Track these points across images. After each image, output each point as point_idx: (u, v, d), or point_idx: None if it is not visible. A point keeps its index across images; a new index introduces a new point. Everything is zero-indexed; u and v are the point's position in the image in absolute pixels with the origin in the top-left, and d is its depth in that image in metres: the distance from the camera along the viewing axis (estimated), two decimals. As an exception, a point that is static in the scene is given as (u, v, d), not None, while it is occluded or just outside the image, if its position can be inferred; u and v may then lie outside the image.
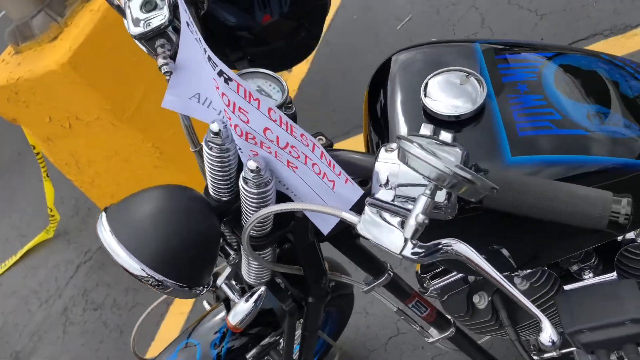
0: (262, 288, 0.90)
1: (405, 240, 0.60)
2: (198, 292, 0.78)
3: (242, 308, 0.88)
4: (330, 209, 0.66)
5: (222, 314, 1.27)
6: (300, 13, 0.98)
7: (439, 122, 0.77)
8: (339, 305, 1.60)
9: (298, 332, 1.18)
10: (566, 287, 0.95)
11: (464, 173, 0.50)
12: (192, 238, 0.75)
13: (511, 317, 1.06)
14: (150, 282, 0.71)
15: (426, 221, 0.54)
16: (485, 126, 0.76)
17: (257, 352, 1.24)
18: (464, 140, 0.76)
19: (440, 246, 0.60)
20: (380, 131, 0.83)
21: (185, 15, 0.67)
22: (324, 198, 0.69)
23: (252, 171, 0.70)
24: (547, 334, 0.57)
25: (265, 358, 1.30)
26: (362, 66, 2.87)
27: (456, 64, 0.83)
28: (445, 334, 1.21)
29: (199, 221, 0.77)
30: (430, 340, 1.25)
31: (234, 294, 0.92)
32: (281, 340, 1.28)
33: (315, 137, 0.65)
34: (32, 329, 2.79)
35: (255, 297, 0.89)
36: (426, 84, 0.79)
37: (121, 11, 0.78)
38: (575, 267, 0.97)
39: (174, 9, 0.76)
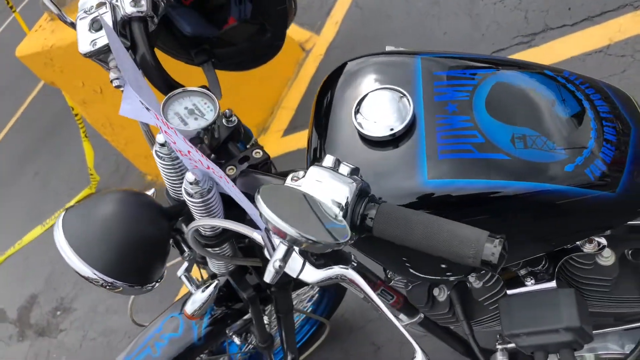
0: (216, 281, 0.98)
1: (302, 266, 0.66)
2: (150, 288, 0.87)
3: (198, 298, 0.97)
4: (245, 229, 0.72)
5: (210, 289, 1.38)
6: (262, 17, 1.01)
7: (369, 140, 0.80)
8: (335, 285, 1.68)
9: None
10: (509, 292, 0.98)
11: (308, 236, 0.54)
12: (139, 241, 0.83)
13: (467, 312, 1.10)
14: (100, 283, 0.80)
15: (283, 267, 0.59)
16: (408, 147, 0.78)
17: (238, 326, 1.34)
18: (387, 161, 0.79)
19: (334, 273, 0.66)
20: (317, 140, 0.87)
21: (115, 44, 0.72)
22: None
23: (190, 183, 0.76)
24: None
25: (246, 333, 1.40)
26: (390, 33, 2.84)
27: (395, 79, 0.84)
28: (414, 320, 1.27)
29: (147, 225, 0.84)
30: (400, 325, 1.32)
31: (191, 285, 1.01)
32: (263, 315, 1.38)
33: (228, 165, 0.71)
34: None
35: (210, 289, 0.97)
36: (360, 101, 0.82)
37: (74, 27, 0.84)
38: (523, 272, 0.99)
39: (119, 29, 0.82)
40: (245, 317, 1.35)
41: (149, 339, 1.34)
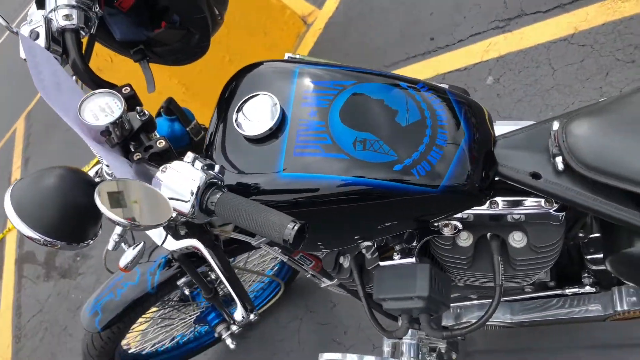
0: (142, 242, 1.21)
1: (165, 237, 0.87)
2: (85, 245, 1.11)
3: (129, 254, 1.20)
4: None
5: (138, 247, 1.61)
6: (187, 24, 1.20)
7: (245, 137, 0.99)
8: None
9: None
10: (382, 263, 1.17)
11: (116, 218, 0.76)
12: (73, 207, 1.05)
13: (362, 278, 1.30)
14: (42, 242, 1.03)
15: (118, 240, 0.80)
16: (274, 145, 0.97)
17: (186, 280, 1.59)
18: (258, 155, 0.99)
19: (187, 244, 0.87)
20: (209, 135, 1.05)
21: (32, 56, 0.93)
22: None
23: (107, 165, 0.98)
24: (239, 312, 0.84)
25: (195, 287, 1.64)
26: (383, 10, 2.95)
27: (276, 86, 1.03)
28: (333, 282, 1.48)
29: (81, 194, 1.07)
30: (322, 285, 1.53)
31: (125, 244, 1.24)
32: (210, 272, 1.62)
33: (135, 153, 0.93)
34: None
35: (139, 247, 1.20)
36: (243, 103, 1.00)
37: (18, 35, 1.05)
38: (398, 247, 1.18)
39: (52, 38, 1.02)
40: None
41: (113, 285, 1.61)
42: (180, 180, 0.86)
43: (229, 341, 1.89)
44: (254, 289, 2.19)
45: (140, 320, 1.85)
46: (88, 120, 0.97)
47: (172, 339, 2.12)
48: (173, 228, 0.92)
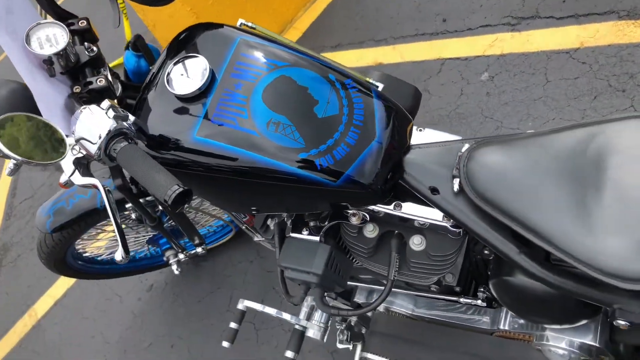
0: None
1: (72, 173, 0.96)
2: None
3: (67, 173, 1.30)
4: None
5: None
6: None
7: (174, 94, 1.05)
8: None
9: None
10: (292, 234, 1.25)
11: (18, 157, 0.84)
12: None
13: (281, 243, 1.38)
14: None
15: (13, 167, 0.89)
16: (196, 107, 1.03)
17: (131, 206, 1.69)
18: (178, 113, 1.05)
19: (88, 182, 0.96)
20: (144, 87, 1.11)
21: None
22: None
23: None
24: (119, 252, 0.93)
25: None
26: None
27: (213, 51, 1.07)
28: (260, 239, 1.57)
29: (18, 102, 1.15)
30: (255, 239, 1.63)
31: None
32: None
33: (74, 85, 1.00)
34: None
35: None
36: (177, 62, 1.06)
37: None
38: (312, 224, 1.25)
39: None
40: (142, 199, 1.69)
41: (67, 194, 1.72)
42: (93, 124, 0.94)
43: (174, 267, 2.03)
44: (214, 224, 2.31)
45: (96, 231, 1.99)
46: (33, 48, 1.04)
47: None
48: (84, 165, 1.00)
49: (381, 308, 1.48)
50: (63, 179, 1.31)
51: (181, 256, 2.03)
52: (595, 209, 0.87)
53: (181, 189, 0.86)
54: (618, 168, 0.89)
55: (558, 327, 1.10)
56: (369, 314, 1.57)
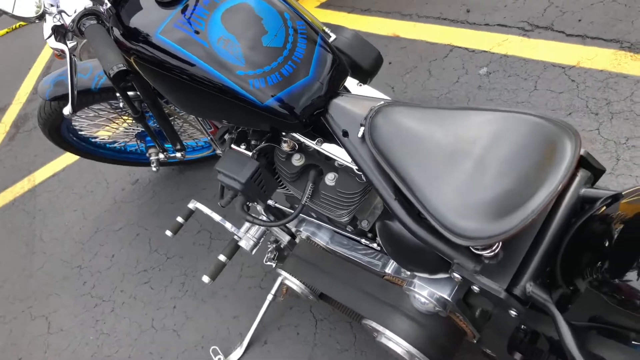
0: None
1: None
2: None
3: (51, 43, 1.49)
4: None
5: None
6: None
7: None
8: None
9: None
10: (232, 146, 1.43)
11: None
12: None
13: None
14: None
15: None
16: (166, 12, 1.21)
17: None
18: (151, 12, 1.22)
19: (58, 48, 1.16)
20: None
21: None
22: None
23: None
24: (67, 108, 1.13)
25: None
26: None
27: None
28: (220, 152, 1.75)
29: None
30: (217, 152, 1.82)
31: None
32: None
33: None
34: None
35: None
36: None
37: None
38: (253, 142, 1.43)
39: None
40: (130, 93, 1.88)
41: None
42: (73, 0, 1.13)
43: (153, 165, 2.24)
44: (202, 140, 2.51)
45: (93, 113, 2.21)
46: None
47: (117, 143, 2.50)
48: (61, 33, 1.19)
49: (304, 236, 1.66)
50: (53, 44, 1.53)
51: (161, 156, 2.24)
52: (456, 174, 1.02)
53: (123, 68, 1.05)
54: (488, 148, 1.03)
55: (424, 276, 1.26)
56: (297, 240, 1.77)
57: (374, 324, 1.36)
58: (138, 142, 2.34)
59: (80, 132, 2.35)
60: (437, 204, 1.01)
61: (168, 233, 1.89)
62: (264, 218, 1.69)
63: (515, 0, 2.59)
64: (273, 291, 1.85)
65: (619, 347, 1.01)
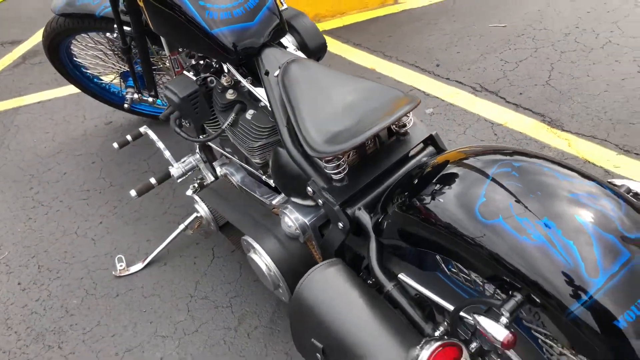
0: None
1: None
2: None
3: None
4: None
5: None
6: None
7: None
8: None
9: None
10: (184, 72, 1.73)
11: None
12: None
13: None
14: None
15: None
16: None
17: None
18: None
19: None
20: None
21: None
22: None
23: None
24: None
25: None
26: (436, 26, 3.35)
27: None
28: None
29: None
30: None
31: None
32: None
33: None
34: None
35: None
36: None
37: None
38: (202, 74, 1.73)
39: None
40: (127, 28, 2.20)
41: (81, -8, 2.26)
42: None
43: (126, 102, 2.52)
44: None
45: (88, 44, 2.53)
46: None
47: (103, 82, 2.81)
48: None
49: (223, 174, 1.93)
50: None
51: (135, 96, 2.53)
52: (325, 113, 1.31)
53: None
54: (353, 100, 1.32)
55: (297, 201, 1.52)
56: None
57: (250, 239, 1.61)
58: (121, 81, 2.65)
59: (75, 59, 2.66)
60: (308, 128, 1.31)
61: (115, 145, 2.16)
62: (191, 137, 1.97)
63: (477, 67, 2.97)
64: (186, 223, 2.09)
65: (407, 266, 1.27)
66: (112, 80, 2.78)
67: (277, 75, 1.45)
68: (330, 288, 1.23)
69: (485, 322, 0.93)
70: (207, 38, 1.50)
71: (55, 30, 2.39)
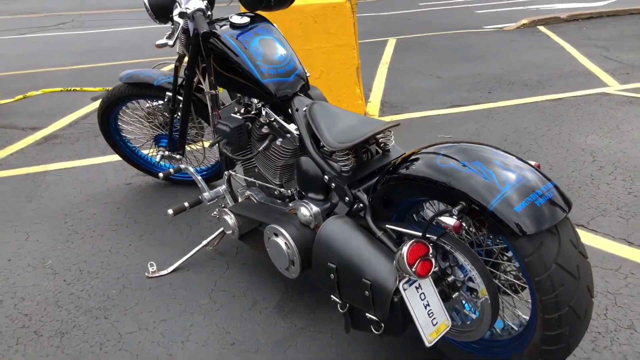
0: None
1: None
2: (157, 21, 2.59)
3: (162, 40, 2.63)
4: None
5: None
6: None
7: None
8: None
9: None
10: (232, 115, 2.47)
11: None
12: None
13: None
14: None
15: None
16: (232, 31, 2.38)
17: (169, 97, 2.97)
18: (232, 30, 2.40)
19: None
20: None
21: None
22: None
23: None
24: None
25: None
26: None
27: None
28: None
29: None
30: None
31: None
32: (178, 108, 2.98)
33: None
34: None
35: (170, 40, 2.63)
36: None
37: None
38: (247, 115, 2.48)
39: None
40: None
41: (146, 69, 3.05)
42: (193, 1, 2.31)
43: (158, 157, 3.19)
44: (199, 169, 3.50)
45: (130, 118, 3.27)
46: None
47: (133, 146, 3.50)
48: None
49: (245, 196, 2.59)
50: (160, 41, 2.68)
51: (166, 153, 3.20)
52: (338, 127, 2.07)
53: (208, 31, 2.17)
54: (353, 117, 2.10)
55: (314, 197, 2.19)
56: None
57: (275, 225, 2.23)
58: (153, 144, 3.34)
59: (121, 132, 3.37)
60: (327, 136, 2.05)
61: (169, 211, 2.78)
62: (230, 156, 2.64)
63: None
64: (209, 239, 2.68)
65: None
66: (149, 153, 3.47)
67: (305, 110, 2.22)
68: (343, 227, 1.88)
69: (444, 218, 1.61)
70: (258, 86, 2.28)
71: (116, 95, 3.12)
